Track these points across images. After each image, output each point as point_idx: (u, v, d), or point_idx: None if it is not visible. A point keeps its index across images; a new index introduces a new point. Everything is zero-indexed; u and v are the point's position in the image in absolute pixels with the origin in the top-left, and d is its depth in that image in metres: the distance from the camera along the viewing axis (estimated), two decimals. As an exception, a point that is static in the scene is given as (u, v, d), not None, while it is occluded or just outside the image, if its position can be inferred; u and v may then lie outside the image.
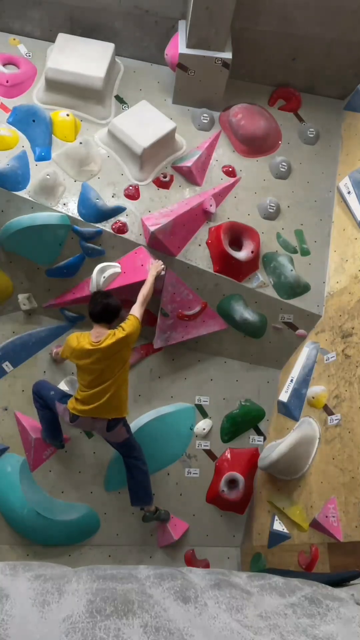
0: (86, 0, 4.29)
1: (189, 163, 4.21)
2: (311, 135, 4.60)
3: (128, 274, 3.94)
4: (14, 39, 4.49)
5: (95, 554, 4.07)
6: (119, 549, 4.11)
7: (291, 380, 4.12)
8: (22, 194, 3.90)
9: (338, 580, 2.76)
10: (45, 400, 3.81)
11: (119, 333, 3.50)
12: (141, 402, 4.25)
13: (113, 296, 3.67)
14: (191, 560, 4.15)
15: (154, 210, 4.08)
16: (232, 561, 4.23)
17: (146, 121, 4.10)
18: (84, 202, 3.96)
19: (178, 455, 4.26)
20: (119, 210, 4.02)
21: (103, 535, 4.10)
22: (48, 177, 3.88)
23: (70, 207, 3.96)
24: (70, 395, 3.73)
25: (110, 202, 4.01)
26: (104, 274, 3.94)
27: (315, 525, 3.44)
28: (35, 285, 4.18)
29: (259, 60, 4.56)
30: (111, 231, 3.97)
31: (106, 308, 3.57)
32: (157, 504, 4.14)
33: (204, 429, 4.29)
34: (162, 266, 3.90)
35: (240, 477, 4.20)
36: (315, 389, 3.83)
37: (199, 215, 4.13)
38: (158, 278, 3.86)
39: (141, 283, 3.79)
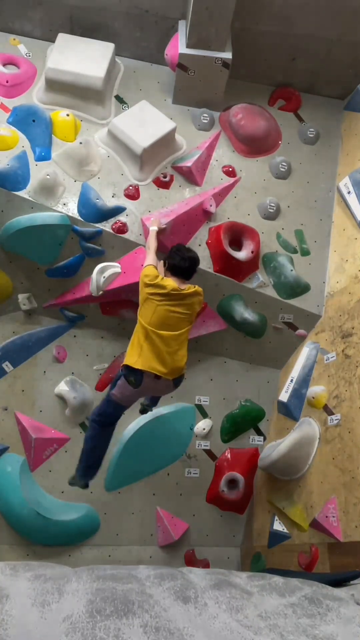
0: (86, 0, 4.29)
1: (189, 163, 4.21)
2: (311, 135, 4.60)
3: (128, 274, 3.94)
4: (14, 39, 4.49)
5: (95, 554, 4.07)
6: (119, 549, 4.11)
7: (291, 380, 4.12)
8: (22, 194, 3.90)
9: (338, 580, 2.76)
10: (102, 410, 3.55)
11: (197, 288, 3.51)
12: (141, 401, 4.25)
13: (195, 253, 3.63)
14: (191, 560, 4.15)
15: (154, 210, 4.08)
16: (232, 561, 4.23)
17: (146, 121, 4.10)
18: (84, 202, 3.96)
19: (178, 455, 4.26)
20: (119, 210, 4.02)
21: (103, 535, 4.10)
22: (48, 177, 3.88)
23: (70, 207, 3.96)
24: (116, 380, 3.53)
25: (110, 202, 4.01)
26: (104, 274, 3.94)
27: (315, 525, 3.44)
28: (35, 285, 4.18)
29: (259, 60, 4.56)
30: (111, 231, 3.97)
31: (193, 265, 3.52)
32: (157, 504, 4.15)
33: (204, 429, 4.29)
34: (163, 221, 3.87)
35: (240, 477, 4.20)
36: (315, 389, 3.83)
37: (199, 215, 4.13)
38: (161, 231, 3.83)
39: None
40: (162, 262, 3.63)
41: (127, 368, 3.40)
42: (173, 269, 3.49)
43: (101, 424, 3.56)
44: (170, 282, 3.42)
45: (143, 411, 4.04)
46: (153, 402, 4.03)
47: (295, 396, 4.05)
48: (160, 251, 3.97)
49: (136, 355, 3.39)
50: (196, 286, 3.52)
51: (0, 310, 4.22)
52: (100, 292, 3.97)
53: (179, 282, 3.45)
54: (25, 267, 4.10)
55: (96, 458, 3.63)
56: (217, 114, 4.55)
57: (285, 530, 3.77)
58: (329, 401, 3.69)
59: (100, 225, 3.97)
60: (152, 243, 3.72)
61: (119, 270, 3.96)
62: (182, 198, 4.19)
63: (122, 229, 3.99)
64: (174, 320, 3.42)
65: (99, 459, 3.64)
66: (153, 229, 3.78)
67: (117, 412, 3.58)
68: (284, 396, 4.14)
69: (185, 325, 3.49)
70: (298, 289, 4.17)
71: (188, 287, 3.47)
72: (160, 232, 3.82)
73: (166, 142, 4.16)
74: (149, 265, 3.51)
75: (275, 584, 2.41)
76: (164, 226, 3.87)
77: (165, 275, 3.50)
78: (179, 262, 3.48)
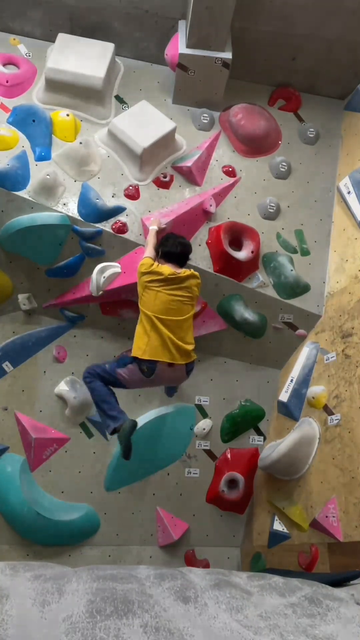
0: (86, 0, 4.29)
1: (189, 163, 4.21)
2: (311, 135, 4.60)
3: (128, 274, 3.94)
4: (14, 39, 4.49)
5: (95, 554, 4.07)
6: (119, 549, 4.11)
7: (291, 380, 4.12)
8: (22, 194, 3.90)
9: (338, 580, 2.76)
10: (104, 375, 3.56)
11: (194, 271, 3.66)
12: (141, 402, 4.25)
13: (187, 239, 3.83)
14: (191, 560, 4.15)
15: (154, 210, 4.08)
16: (232, 561, 4.23)
17: (146, 121, 4.10)
18: (84, 202, 3.96)
19: (178, 455, 4.26)
20: (119, 210, 4.02)
21: (103, 535, 4.10)
22: (48, 177, 3.88)
23: (70, 207, 3.96)
24: (126, 361, 3.53)
25: (110, 202, 4.01)
26: (104, 274, 3.94)
27: (315, 525, 3.44)
28: (35, 285, 4.18)
29: (259, 60, 4.56)
30: (111, 231, 3.97)
31: (185, 250, 3.71)
32: (157, 503, 4.16)
33: (204, 429, 4.29)
34: (163, 221, 3.91)
35: (240, 477, 4.20)
36: (315, 389, 3.83)
37: (199, 215, 4.13)
38: (161, 231, 3.86)
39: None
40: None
41: (137, 359, 3.45)
42: (166, 256, 3.65)
43: (96, 380, 3.56)
44: (167, 268, 3.55)
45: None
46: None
47: (295, 396, 4.05)
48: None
49: (144, 346, 3.45)
50: (191, 270, 3.67)
51: (0, 310, 4.22)
52: (100, 292, 3.97)
53: (174, 268, 3.59)
54: (25, 267, 4.10)
55: (111, 402, 3.53)
56: (217, 114, 4.55)
57: (285, 530, 3.77)
58: (329, 401, 3.69)
59: (100, 225, 3.97)
60: (151, 239, 3.77)
61: (119, 270, 3.96)
62: (182, 198, 4.19)
63: (122, 229, 3.99)
64: (177, 304, 3.51)
65: (113, 401, 3.54)
66: (153, 228, 3.81)
67: (118, 386, 3.62)
68: (284, 396, 4.14)
69: (189, 310, 3.58)
70: (298, 289, 4.17)
71: (184, 271, 3.61)
72: (160, 232, 3.83)
73: (166, 142, 4.16)
74: (146, 257, 3.64)
75: (275, 584, 2.41)
76: (164, 226, 3.88)
77: (160, 264, 3.62)
78: (170, 247, 3.66)
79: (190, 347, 3.58)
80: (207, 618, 2.00)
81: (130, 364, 3.52)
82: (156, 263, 3.58)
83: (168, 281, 3.51)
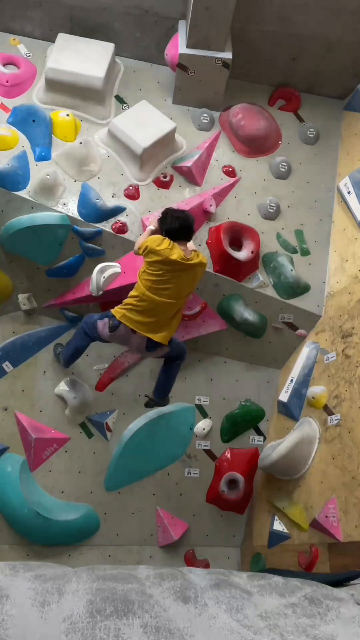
0: (86, 0, 4.29)
1: (189, 163, 4.22)
2: (311, 135, 4.61)
3: (128, 274, 3.94)
4: (14, 39, 4.50)
5: (95, 554, 4.07)
6: (119, 549, 4.11)
7: (291, 380, 4.12)
8: (22, 194, 3.90)
9: (338, 580, 2.76)
10: (90, 328, 3.68)
11: (202, 257, 3.48)
12: (141, 402, 4.24)
13: (185, 211, 3.59)
14: (191, 560, 4.15)
15: (154, 210, 4.08)
16: (232, 561, 4.23)
17: (146, 121, 4.10)
18: (84, 202, 3.96)
19: (178, 455, 4.26)
20: (119, 210, 4.02)
21: (103, 535, 4.10)
22: (48, 177, 3.89)
23: (70, 207, 3.96)
24: (108, 314, 3.61)
25: (110, 202, 4.01)
26: (104, 274, 3.94)
27: (315, 525, 3.44)
28: (35, 285, 4.18)
29: (259, 60, 4.56)
30: (111, 231, 3.98)
31: (184, 224, 3.45)
32: (157, 504, 4.15)
33: (204, 429, 4.29)
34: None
35: (240, 477, 4.20)
36: (315, 389, 3.83)
37: (199, 215, 4.13)
38: (158, 231, 3.78)
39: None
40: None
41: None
42: (169, 234, 3.42)
43: (84, 338, 3.78)
44: (177, 251, 3.36)
45: (147, 404, 4.04)
46: (159, 396, 3.97)
47: (295, 396, 4.05)
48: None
49: (124, 310, 3.46)
50: (200, 255, 3.49)
51: (0, 310, 4.22)
52: (100, 292, 3.97)
53: (182, 247, 3.40)
54: (25, 267, 4.10)
55: (75, 351, 3.92)
56: (217, 114, 4.55)
57: (285, 530, 3.76)
58: (329, 401, 3.69)
59: (100, 225, 3.97)
60: (144, 236, 3.67)
61: (119, 270, 3.96)
62: (182, 198, 4.19)
63: (122, 229, 4.00)
64: (175, 288, 3.41)
65: (76, 352, 3.94)
66: (150, 228, 3.76)
67: (97, 338, 3.70)
68: (284, 396, 4.14)
69: (185, 293, 3.50)
70: (298, 289, 4.17)
71: (193, 256, 3.44)
72: (158, 232, 3.81)
73: (166, 142, 4.17)
74: (154, 235, 3.48)
75: (275, 584, 2.41)
76: None
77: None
78: (170, 225, 3.43)
79: (169, 334, 3.53)
80: (207, 618, 2.00)
81: (107, 317, 3.58)
82: (167, 241, 3.38)
83: (175, 264, 3.35)
